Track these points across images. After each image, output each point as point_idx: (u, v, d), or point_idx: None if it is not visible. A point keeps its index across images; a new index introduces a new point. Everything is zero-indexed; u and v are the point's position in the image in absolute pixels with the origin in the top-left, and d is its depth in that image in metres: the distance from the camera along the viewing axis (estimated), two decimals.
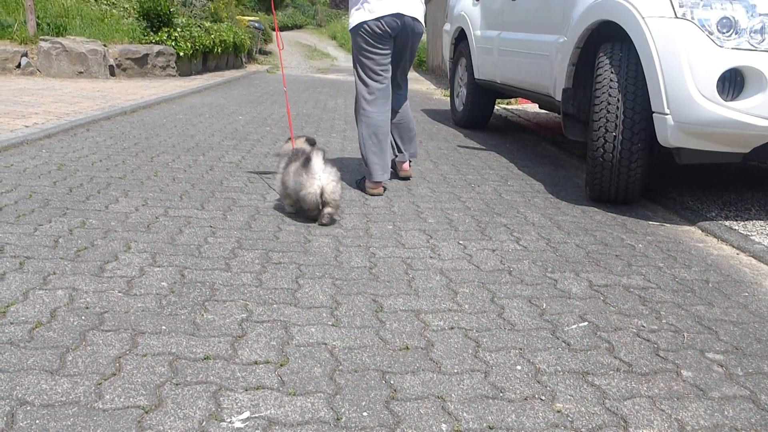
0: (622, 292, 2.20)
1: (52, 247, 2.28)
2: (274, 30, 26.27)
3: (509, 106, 8.02)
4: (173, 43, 9.25)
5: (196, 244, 2.41)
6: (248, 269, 2.20)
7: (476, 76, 5.58)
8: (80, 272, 2.08)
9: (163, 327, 1.77)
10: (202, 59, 10.90)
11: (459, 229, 2.79)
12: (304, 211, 2.69)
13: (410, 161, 3.70)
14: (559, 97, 3.84)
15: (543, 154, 4.85)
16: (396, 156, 3.63)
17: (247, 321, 1.83)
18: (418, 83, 12.33)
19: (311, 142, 2.97)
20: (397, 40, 3.29)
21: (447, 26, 6.65)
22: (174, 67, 9.31)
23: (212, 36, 10.70)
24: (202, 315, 1.85)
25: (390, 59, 3.29)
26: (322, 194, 2.62)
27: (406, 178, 3.65)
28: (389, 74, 3.29)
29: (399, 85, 3.53)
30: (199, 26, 10.40)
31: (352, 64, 3.68)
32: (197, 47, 9.95)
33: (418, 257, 2.41)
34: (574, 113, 3.69)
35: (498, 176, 3.95)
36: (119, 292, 1.96)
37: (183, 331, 1.74)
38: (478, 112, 5.86)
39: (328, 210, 2.66)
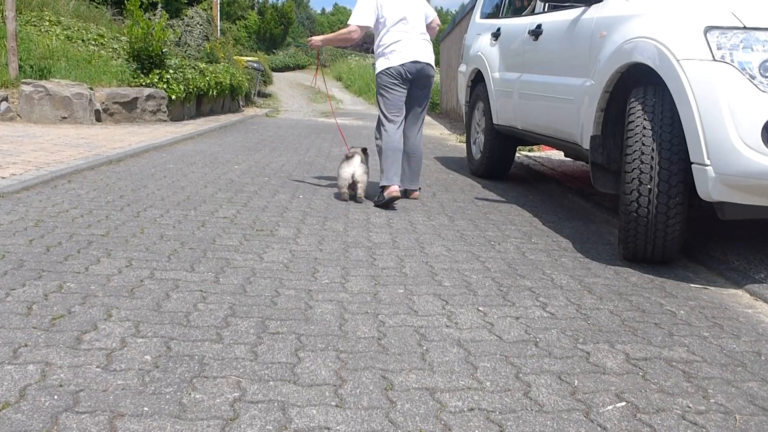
0: (664, 366, 2.15)
1: (24, 315, 2.27)
2: (272, 72, 26.79)
3: (531, 154, 8.08)
4: (165, 86, 9.46)
5: (184, 311, 2.39)
6: (242, 340, 2.17)
7: (495, 121, 5.65)
8: (55, 344, 2.07)
9: (146, 408, 1.74)
10: (196, 103, 11.13)
11: (478, 293, 2.77)
12: (340, 189, 4.62)
13: (417, 190, 4.88)
14: (586, 145, 3.87)
15: (570, 208, 4.85)
16: (404, 185, 4.80)
17: (240, 401, 1.80)
18: (430, 128, 12.50)
19: (364, 151, 4.73)
20: (414, 82, 4.62)
21: (462, 67, 6.78)
22: (165, 112, 9.50)
23: (207, 78, 10.96)
24: (190, 394, 1.82)
25: (405, 99, 4.62)
26: (353, 177, 4.58)
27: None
28: (403, 112, 4.62)
29: (416, 123, 4.77)
30: (193, 67, 10.66)
31: (376, 102, 4.89)
32: (191, 90, 10.17)
33: (433, 326, 2.38)
34: (603, 163, 3.71)
35: (521, 232, 3.94)
36: (97, 367, 1.94)
37: (168, 413, 1.72)
38: (498, 161, 5.91)
39: (359, 187, 4.59)
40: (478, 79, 6.23)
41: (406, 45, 4.55)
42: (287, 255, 3.19)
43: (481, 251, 3.47)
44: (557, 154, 7.87)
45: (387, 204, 4.43)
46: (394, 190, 4.44)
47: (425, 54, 4.57)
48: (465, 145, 7.15)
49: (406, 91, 4.59)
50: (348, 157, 4.64)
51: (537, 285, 2.92)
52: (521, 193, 5.35)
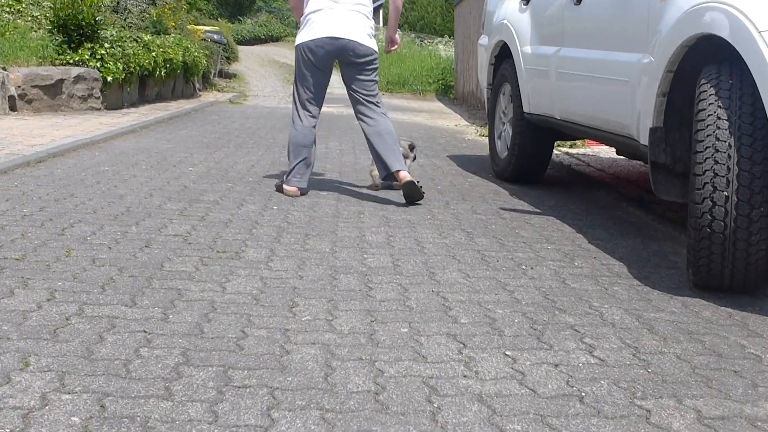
0: (746, 427, 2.15)
1: None
2: (238, 45, 26.92)
3: (574, 151, 8.12)
4: (98, 64, 9.51)
5: (123, 358, 2.39)
6: (198, 396, 2.17)
7: (526, 109, 5.68)
8: None
9: None
10: (139, 86, 11.18)
11: (505, 333, 2.77)
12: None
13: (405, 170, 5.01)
14: (644, 139, 3.89)
15: (624, 221, 4.87)
16: (386, 173, 5.05)
17: None
18: (442, 117, 12.57)
19: (410, 147, 5.62)
20: (344, 65, 4.99)
21: (483, 40, 6.82)
22: (99, 98, 9.54)
23: (153, 53, 11.01)
24: None
25: (325, 86, 5.08)
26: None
27: (413, 198, 5.01)
28: (321, 102, 5.12)
29: (371, 109, 5.09)
30: (135, 40, 10.71)
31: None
32: (132, 69, 10.22)
33: (446, 376, 2.38)
34: (666, 163, 3.72)
35: (560, 253, 3.95)
36: None
37: None
38: (530, 160, 5.95)
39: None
40: (503, 55, 6.27)
41: (325, 16, 4.84)
42: (257, 284, 3.19)
43: (509, 278, 3.47)
44: (607, 151, 7.91)
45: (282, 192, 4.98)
46: (292, 190, 4.96)
47: (350, 28, 4.84)
48: (487, 140, 7.17)
49: (325, 75, 5.02)
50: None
51: (582, 322, 2.92)
52: (561, 202, 5.37)
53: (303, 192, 5.11)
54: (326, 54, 4.92)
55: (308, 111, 5.08)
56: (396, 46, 5.39)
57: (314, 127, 5.11)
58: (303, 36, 4.94)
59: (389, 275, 3.43)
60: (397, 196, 5.26)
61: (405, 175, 4.96)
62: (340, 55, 4.94)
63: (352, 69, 5.01)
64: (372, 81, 5.09)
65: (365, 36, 4.94)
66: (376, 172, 5.35)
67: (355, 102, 5.16)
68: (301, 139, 5.05)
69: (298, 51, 4.98)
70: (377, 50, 5.10)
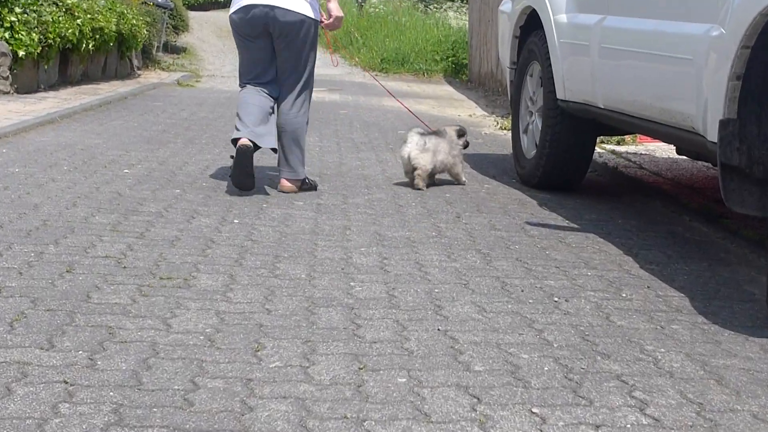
0: None
1: None
2: (188, 11, 27.02)
3: (621, 148, 8.13)
4: (7, 35, 9.49)
5: (36, 416, 2.39)
6: None
7: (560, 95, 5.69)
8: None
9: None
10: (60, 63, 11.17)
11: (531, 384, 2.77)
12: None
13: (291, 180, 5.62)
14: (712, 135, 3.90)
15: (686, 239, 4.89)
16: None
17: None
18: (453, 106, 12.60)
19: (460, 133, 6.18)
20: (274, 37, 5.45)
21: (506, 5, 6.86)
22: (7, 78, 9.54)
23: (79, 21, 11.00)
24: None
25: (266, 60, 5.55)
26: (410, 159, 5.86)
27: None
28: (266, 77, 5.56)
29: (288, 95, 5.60)
30: (55, 3, 10.70)
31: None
32: (51, 41, 10.20)
33: None
34: (741, 165, 3.72)
35: (603, 281, 3.96)
36: None
37: None
38: (565, 161, 5.97)
39: (416, 174, 5.88)
40: (531, 26, 6.29)
41: None
42: (212, 320, 3.20)
43: (537, 313, 3.47)
44: (665, 149, 7.92)
45: (237, 165, 5.29)
46: (241, 142, 5.33)
47: None
48: (510, 134, 7.16)
49: (262, 47, 5.53)
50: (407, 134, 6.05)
51: (630, 370, 2.92)
52: (604, 216, 5.38)
53: (250, 148, 5.36)
54: (247, 24, 5.43)
55: (247, 84, 5.66)
56: (334, 20, 5.65)
57: (271, 97, 5.58)
58: (232, 6, 5.54)
59: (383, 309, 3.43)
60: (398, 204, 5.28)
61: (285, 184, 5.58)
62: (264, 26, 5.42)
63: (279, 44, 5.51)
64: (297, 61, 5.55)
65: (293, 1, 5.35)
66: (419, 171, 5.87)
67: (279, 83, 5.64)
68: (247, 97, 5.58)
69: (230, 21, 5.60)
70: (315, 18, 5.47)
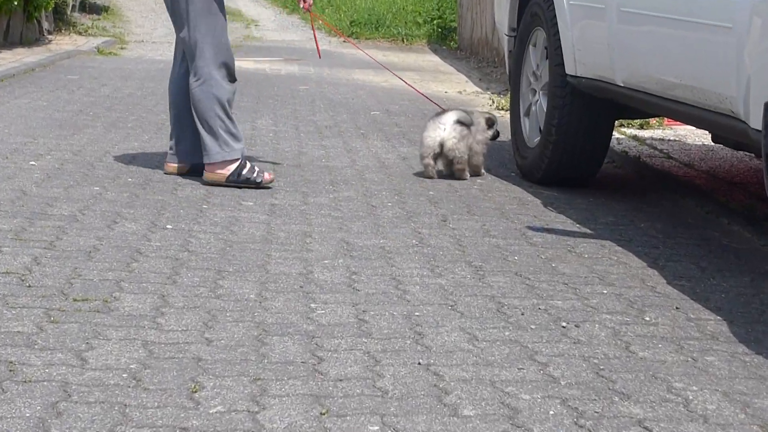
0: None
1: None
2: None
3: (645, 133, 8.15)
4: None
5: None
6: None
7: (570, 69, 5.69)
8: None
9: None
10: None
11: (533, 431, 2.77)
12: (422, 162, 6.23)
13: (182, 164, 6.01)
14: (756, 120, 3.90)
15: (724, 247, 4.89)
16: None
17: None
18: (438, 80, 12.61)
19: (489, 122, 6.42)
20: None
21: None
22: None
23: None
24: None
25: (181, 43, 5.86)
26: (441, 147, 6.16)
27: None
28: (177, 63, 5.99)
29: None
30: None
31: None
32: None
33: None
34: None
35: (621, 301, 3.95)
36: None
37: None
38: (576, 150, 5.98)
39: (457, 167, 6.23)
40: None
41: None
42: (138, 353, 3.17)
43: (541, 341, 3.46)
44: (698, 135, 7.94)
45: None
46: (168, 166, 5.90)
47: None
48: (508, 116, 7.13)
49: (174, 21, 5.87)
50: (438, 115, 6.37)
51: (655, 414, 2.92)
52: (624, 218, 5.38)
53: (182, 171, 5.90)
54: None
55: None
56: (307, 5, 6.20)
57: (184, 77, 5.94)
58: None
59: (350, 338, 3.42)
60: (371, 205, 5.27)
61: (205, 172, 5.78)
62: None
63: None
64: (176, 14, 5.77)
65: None
66: (428, 159, 6.27)
67: None
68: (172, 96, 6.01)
69: None
70: None
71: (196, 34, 5.66)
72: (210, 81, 5.69)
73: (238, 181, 5.65)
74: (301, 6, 6.32)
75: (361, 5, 19.31)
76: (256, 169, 5.73)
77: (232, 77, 5.79)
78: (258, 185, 5.66)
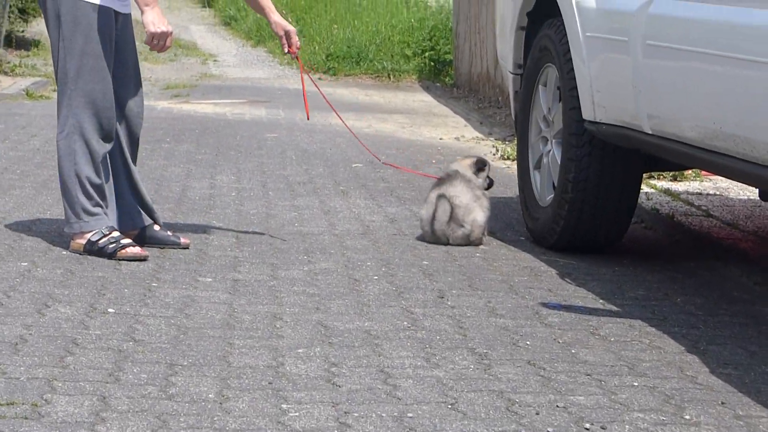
0: None
1: None
2: None
3: (679, 186, 8.16)
4: None
5: None
6: None
7: (588, 114, 5.69)
8: None
9: None
10: None
11: None
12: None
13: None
14: None
15: None
16: None
17: None
18: (431, 124, 12.66)
19: (478, 165, 6.42)
20: None
21: None
22: None
23: None
24: None
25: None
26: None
27: None
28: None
29: None
30: None
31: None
32: None
33: None
34: None
35: (656, 395, 3.93)
36: None
37: None
38: (597, 210, 5.99)
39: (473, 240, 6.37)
40: (543, 12, 6.32)
41: None
42: None
43: None
44: (741, 188, 7.95)
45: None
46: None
47: None
48: (515, 168, 7.12)
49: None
50: (440, 181, 6.43)
51: None
52: (656, 291, 5.37)
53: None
54: None
55: None
56: (294, 48, 6.50)
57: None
58: None
59: None
60: (353, 279, 5.25)
61: (75, 244, 5.75)
62: None
63: None
64: (54, 55, 5.87)
65: None
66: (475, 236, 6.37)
67: None
68: None
69: None
70: None
71: (66, 79, 5.71)
72: (73, 135, 5.68)
73: (93, 251, 5.67)
74: (286, 51, 6.52)
75: (338, 36, 19.30)
76: (117, 240, 5.66)
77: (107, 137, 5.75)
78: (110, 257, 5.62)
